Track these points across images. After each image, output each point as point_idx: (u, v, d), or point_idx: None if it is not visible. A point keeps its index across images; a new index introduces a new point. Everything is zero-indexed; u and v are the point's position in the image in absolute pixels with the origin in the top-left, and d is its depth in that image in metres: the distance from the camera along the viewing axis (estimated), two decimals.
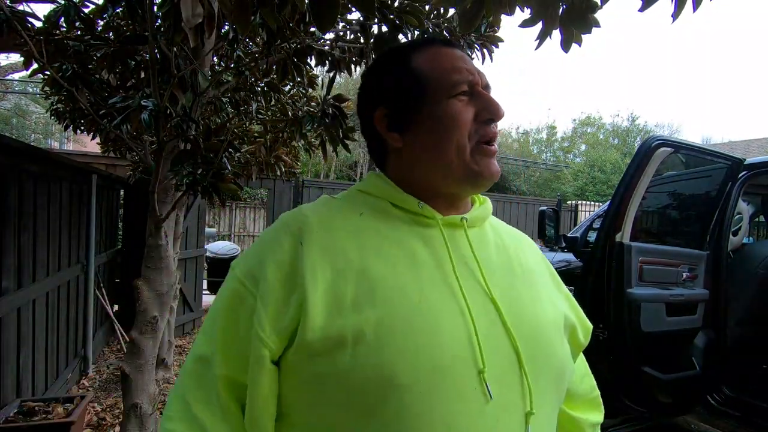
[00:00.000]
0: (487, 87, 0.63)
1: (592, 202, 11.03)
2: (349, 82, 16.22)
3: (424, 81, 0.60)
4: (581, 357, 0.75)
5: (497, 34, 2.04)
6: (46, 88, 2.16)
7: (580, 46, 1.19)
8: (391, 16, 1.62)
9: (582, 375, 0.74)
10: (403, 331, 0.49)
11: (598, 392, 0.76)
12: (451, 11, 1.93)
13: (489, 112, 0.59)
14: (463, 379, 0.49)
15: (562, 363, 0.59)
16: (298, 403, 0.53)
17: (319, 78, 2.69)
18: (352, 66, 2.20)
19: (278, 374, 0.53)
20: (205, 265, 5.75)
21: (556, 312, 0.63)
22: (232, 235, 11.59)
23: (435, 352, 0.49)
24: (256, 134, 2.97)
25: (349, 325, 0.49)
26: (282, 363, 0.53)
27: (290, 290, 0.52)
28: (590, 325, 0.72)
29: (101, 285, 3.98)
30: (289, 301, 0.52)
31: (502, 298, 0.56)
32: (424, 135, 0.60)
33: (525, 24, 1.15)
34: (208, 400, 0.54)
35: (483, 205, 0.67)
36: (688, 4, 0.99)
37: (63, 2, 1.69)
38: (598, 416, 0.75)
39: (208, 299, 5.94)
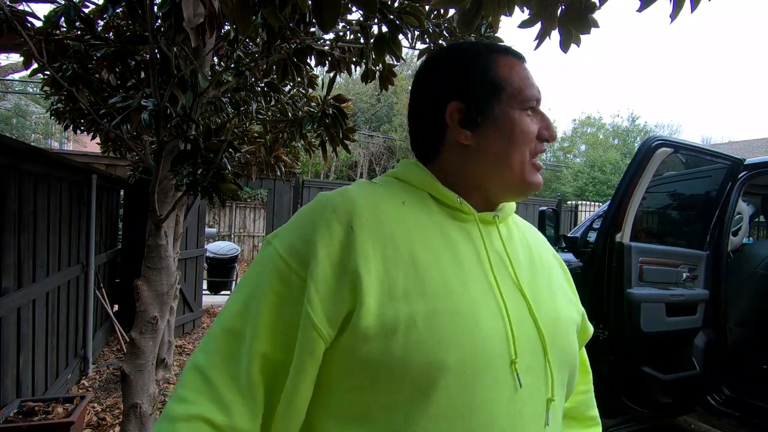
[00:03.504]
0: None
1: (592, 202, 11.01)
2: (349, 82, 16.22)
3: (506, 87, 0.62)
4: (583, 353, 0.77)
5: (497, 35, 2.04)
6: (46, 88, 2.16)
7: (578, 46, 1.19)
8: (391, 16, 1.62)
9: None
10: (449, 322, 0.52)
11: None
12: (451, 11, 1.93)
13: (549, 133, 0.63)
14: (498, 368, 0.53)
15: (575, 355, 0.64)
16: (342, 388, 0.54)
17: (319, 78, 2.69)
18: (352, 66, 2.20)
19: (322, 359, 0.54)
20: (205, 265, 5.75)
21: (570, 307, 0.67)
22: (232, 235, 11.58)
23: (477, 342, 0.52)
24: (256, 134, 2.97)
25: (402, 313, 0.51)
26: (330, 349, 0.53)
27: (341, 275, 0.53)
28: (591, 328, 0.76)
29: (101, 285, 3.98)
30: (341, 286, 0.52)
31: (529, 291, 0.59)
32: (495, 140, 0.61)
33: (524, 24, 1.16)
34: (235, 377, 0.53)
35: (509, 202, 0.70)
36: (686, 5, 0.99)
37: (63, 2, 1.69)
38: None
39: (208, 299, 5.95)
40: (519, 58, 0.65)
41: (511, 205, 0.69)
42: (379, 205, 0.58)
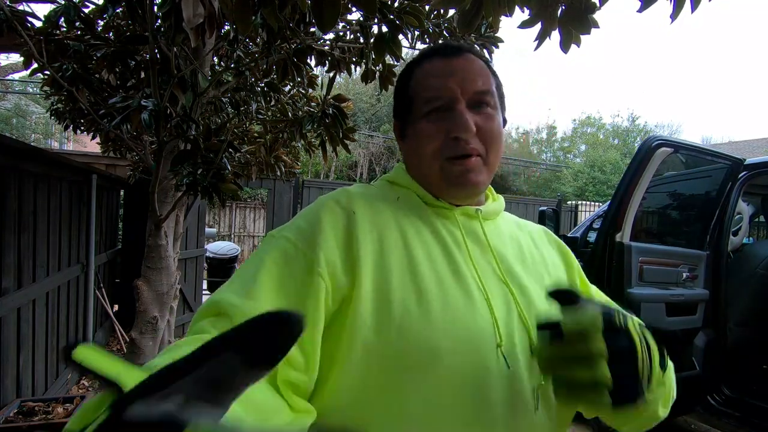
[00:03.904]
0: (481, 93, 0.63)
1: (592, 202, 11.01)
2: (349, 82, 16.22)
3: (413, 99, 0.66)
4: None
5: (497, 35, 2.05)
6: (46, 88, 2.16)
7: (579, 46, 1.19)
8: (391, 16, 1.62)
9: None
10: (442, 309, 0.55)
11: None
12: (451, 11, 1.93)
13: (456, 131, 0.61)
14: (486, 352, 0.55)
15: None
16: (336, 366, 0.54)
17: (319, 78, 2.69)
18: (352, 66, 2.20)
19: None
20: (205, 265, 5.75)
21: None
22: (232, 235, 11.58)
23: (468, 328, 0.55)
24: (256, 134, 2.97)
25: (396, 299, 0.54)
26: (328, 328, 0.54)
27: (347, 253, 0.55)
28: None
29: (101, 285, 3.98)
30: (346, 265, 0.55)
31: (514, 283, 0.62)
32: (409, 148, 0.67)
33: (524, 25, 1.16)
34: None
35: (496, 201, 0.73)
36: (687, 5, 0.99)
37: (63, 2, 1.69)
38: None
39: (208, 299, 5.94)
40: (444, 54, 0.65)
41: (499, 203, 0.72)
42: (375, 200, 0.63)
